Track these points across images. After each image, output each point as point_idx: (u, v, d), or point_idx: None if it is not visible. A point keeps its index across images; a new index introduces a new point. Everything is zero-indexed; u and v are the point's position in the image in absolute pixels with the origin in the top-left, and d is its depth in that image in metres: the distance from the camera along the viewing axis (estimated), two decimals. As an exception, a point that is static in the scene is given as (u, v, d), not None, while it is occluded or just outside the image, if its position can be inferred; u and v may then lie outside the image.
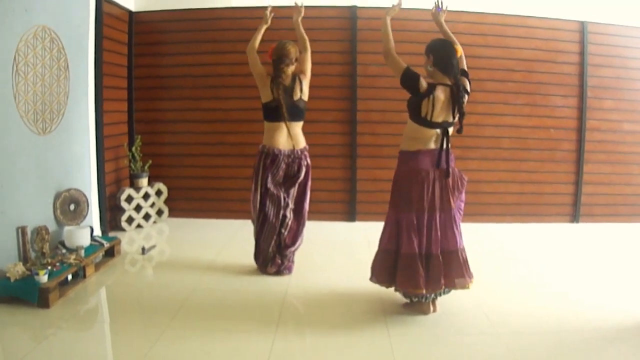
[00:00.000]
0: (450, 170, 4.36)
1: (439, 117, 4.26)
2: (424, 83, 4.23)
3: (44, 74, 5.21)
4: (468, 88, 4.42)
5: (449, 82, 4.29)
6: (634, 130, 7.90)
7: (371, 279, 4.57)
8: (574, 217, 7.98)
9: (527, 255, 6.40)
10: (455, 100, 4.25)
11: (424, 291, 4.28)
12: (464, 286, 4.39)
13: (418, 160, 4.33)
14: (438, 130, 4.33)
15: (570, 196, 7.97)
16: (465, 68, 4.52)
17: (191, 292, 4.95)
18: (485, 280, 5.21)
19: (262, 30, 5.38)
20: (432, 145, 4.36)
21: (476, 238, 6.94)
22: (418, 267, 4.26)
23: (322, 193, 7.76)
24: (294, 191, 5.40)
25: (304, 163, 5.37)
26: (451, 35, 4.61)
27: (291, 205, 5.42)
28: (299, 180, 5.38)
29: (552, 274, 5.67)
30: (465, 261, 4.44)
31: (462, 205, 4.57)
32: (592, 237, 7.32)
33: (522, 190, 7.93)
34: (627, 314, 4.59)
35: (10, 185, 4.75)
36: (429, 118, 4.24)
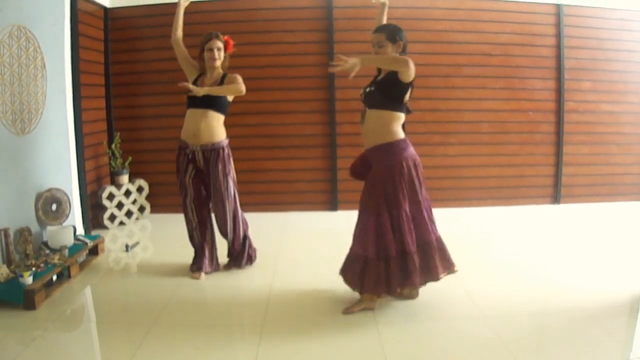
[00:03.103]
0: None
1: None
2: None
3: (20, 73, 5.17)
4: None
5: None
6: (612, 110, 7.97)
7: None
8: (555, 199, 8.05)
9: (510, 237, 6.46)
10: None
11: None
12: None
13: (411, 147, 4.26)
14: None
15: (550, 178, 8.04)
16: None
17: (176, 288, 4.94)
18: (469, 264, 5.24)
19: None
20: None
21: (458, 223, 7.01)
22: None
23: (303, 184, 7.78)
24: None
25: None
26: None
27: None
28: None
29: (535, 256, 5.72)
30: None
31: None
32: (573, 218, 7.39)
33: (503, 173, 7.97)
34: (610, 292, 4.64)
35: (-10, 187, 4.72)
36: (406, 103, 4.26)
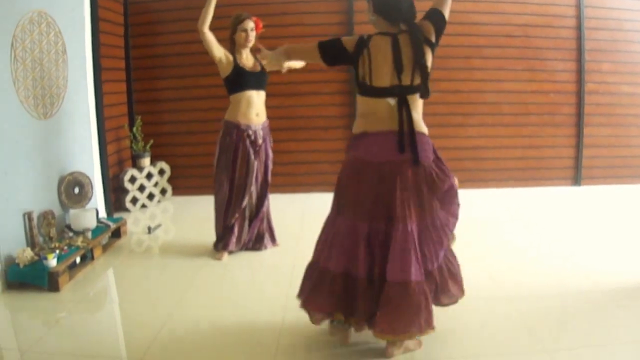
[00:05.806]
0: (421, 159, 3.24)
1: (383, 80, 3.24)
2: (348, 41, 3.31)
3: (42, 58, 5.21)
4: (432, 37, 3.25)
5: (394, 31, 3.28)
6: (632, 92, 7.90)
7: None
8: (576, 180, 8.01)
9: (531, 219, 6.45)
10: (397, 53, 3.20)
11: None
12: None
13: (363, 146, 3.34)
14: (391, 101, 3.26)
15: (571, 159, 8.00)
16: (442, 7, 3.29)
17: (198, 269, 5.00)
18: (490, 246, 5.26)
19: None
20: (387, 124, 3.26)
21: (478, 204, 6.99)
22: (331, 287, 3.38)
23: (325, 165, 7.78)
24: None
25: None
26: None
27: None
28: None
29: (556, 238, 5.72)
30: (420, 305, 3.21)
31: (452, 222, 3.43)
32: (594, 200, 7.36)
33: (523, 155, 7.95)
34: (632, 275, 4.63)
35: (14, 171, 4.76)
36: (368, 82, 3.28)
